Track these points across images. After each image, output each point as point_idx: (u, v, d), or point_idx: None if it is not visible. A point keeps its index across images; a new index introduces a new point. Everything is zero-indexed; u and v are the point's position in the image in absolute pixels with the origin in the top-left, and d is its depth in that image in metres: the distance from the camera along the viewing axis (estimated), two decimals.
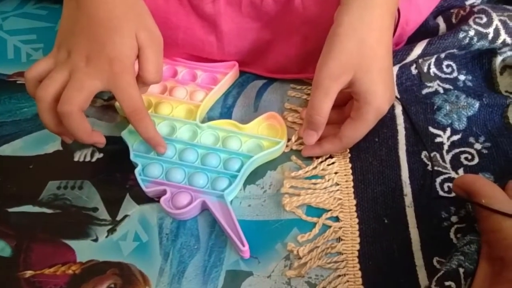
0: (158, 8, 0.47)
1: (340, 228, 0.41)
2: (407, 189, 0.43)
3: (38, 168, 0.46)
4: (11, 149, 0.48)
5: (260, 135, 0.46)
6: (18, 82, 0.53)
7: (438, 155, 0.45)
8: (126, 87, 0.39)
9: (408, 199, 0.42)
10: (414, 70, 0.50)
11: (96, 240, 0.42)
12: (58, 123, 0.39)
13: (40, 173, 0.46)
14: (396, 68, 0.50)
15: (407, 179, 0.43)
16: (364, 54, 0.40)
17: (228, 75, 0.51)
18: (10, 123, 0.50)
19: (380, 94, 0.41)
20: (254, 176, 0.45)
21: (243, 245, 0.39)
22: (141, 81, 0.41)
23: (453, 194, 0.41)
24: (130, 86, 0.39)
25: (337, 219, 0.42)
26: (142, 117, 0.40)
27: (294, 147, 0.47)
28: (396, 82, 0.49)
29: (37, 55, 0.55)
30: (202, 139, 0.46)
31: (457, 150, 0.45)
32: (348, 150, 0.46)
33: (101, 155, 0.47)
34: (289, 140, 0.47)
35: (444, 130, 0.46)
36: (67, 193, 0.45)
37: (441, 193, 0.42)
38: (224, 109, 0.50)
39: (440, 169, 0.44)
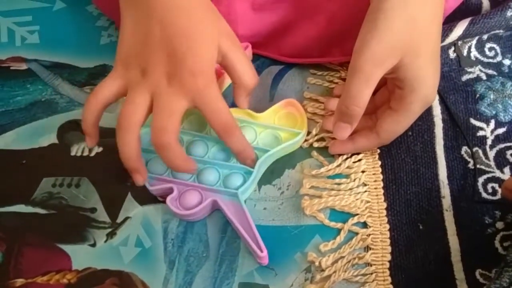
0: None
1: (369, 235, 0.38)
2: (445, 190, 0.40)
3: (31, 163, 0.43)
4: (2, 142, 0.45)
5: (277, 125, 0.43)
6: (12, 68, 0.50)
7: (480, 151, 0.41)
8: (214, 101, 0.36)
9: (447, 202, 0.39)
10: (452, 54, 0.46)
11: (94, 245, 0.39)
12: (139, 155, 0.37)
13: (33, 169, 0.43)
14: None
15: (445, 178, 0.40)
16: (416, 34, 0.35)
17: None
18: (2, 113, 0.47)
19: (429, 81, 0.36)
20: (270, 175, 0.42)
21: (261, 250, 0.36)
22: (243, 87, 0.38)
23: (498, 197, 0.38)
24: (218, 99, 0.36)
25: (364, 225, 0.39)
26: (234, 132, 0.37)
27: (316, 144, 0.43)
28: None
29: (32, 38, 0.52)
30: (212, 131, 0.42)
31: (502, 146, 0.41)
32: None
33: (100, 149, 0.44)
34: (308, 133, 0.43)
35: (487, 122, 0.42)
36: (63, 192, 0.42)
37: (484, 195, 0.39)
38: None
39: (483, 167, 0.40)
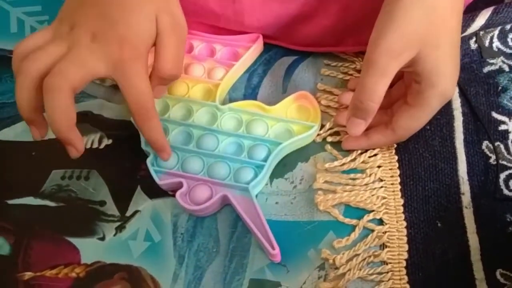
0: None
1: (385, 232, 0.37)
2: (465, 187, 0.38)
3: (41, 155, 0.43)
4: (12, 133, 0.44)
5: (289, 119, 0.42)
6: None
7: (502, 146, 0.40)
8: (134, 77, 0.33)
9: (466, 199, 0.38)
10: (473, 44, 0.44)
11: (103, 238, 0.39)
12: (36, 107, 0.34)
13: (43, 160, 0.43)
14: None
15: (465, 174, 0.39)
16: (434, 25, 0.33)
17: (251, 49, 0.45)
18: (11, 104, 0.46)
19: (448, 75, 0.35)
20: (283, 168, 0.41)
21: (273, 248, 0.35)
22: (156, 73, 0.35)
23: None
24: (140, 77, 0.34)
25: (380, 221, 0.38)
26: (149, 118, 0.35)
27: (329, 138, 0.41)
28: None
29: (42, 28, 0.51)
30: (223, 123, 0.42)
31: None
32: None
33: (110, 141, 0.43)
34: (322, 126, 0.42)
35: (509, 116, 0.41)
36: (72, 184, 0.41)
37: (506, 191, 0.38)
38: (248, 90, 0.45)
39: (505, 162, 0.39)
